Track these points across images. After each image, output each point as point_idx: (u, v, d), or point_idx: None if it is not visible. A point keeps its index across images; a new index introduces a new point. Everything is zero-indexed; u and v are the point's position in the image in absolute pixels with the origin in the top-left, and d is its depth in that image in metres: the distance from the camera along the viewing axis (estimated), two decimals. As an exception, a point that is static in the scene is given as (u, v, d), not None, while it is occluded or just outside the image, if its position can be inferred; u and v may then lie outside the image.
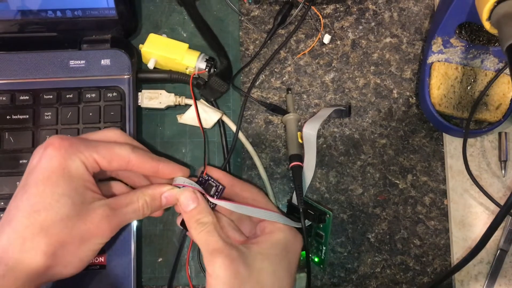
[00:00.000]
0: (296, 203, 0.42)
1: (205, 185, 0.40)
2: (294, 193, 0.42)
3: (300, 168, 0.43)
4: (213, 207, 0.40)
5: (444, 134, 0.46)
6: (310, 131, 0.43)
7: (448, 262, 0.45)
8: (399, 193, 0.46)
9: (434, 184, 0.46)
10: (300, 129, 0.45)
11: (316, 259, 0.43)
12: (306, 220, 0.42)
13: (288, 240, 0.39)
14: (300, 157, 0.43)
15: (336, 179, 0.46)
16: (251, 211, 0.40)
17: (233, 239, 0.38)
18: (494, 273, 0.44)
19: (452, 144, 0.46)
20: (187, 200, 0.38)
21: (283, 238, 0.39)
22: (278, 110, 0.46)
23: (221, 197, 0.41)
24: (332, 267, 0.45)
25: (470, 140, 0.46)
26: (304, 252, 0.41)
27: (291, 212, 0.43)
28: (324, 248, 0.43)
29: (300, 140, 0.44)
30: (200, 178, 0.41)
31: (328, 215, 0.42)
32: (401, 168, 0.47)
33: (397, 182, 0.46)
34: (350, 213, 0.46)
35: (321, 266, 0.44)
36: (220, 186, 0.41)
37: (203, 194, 0.39)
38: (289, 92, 0.47)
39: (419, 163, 0.47)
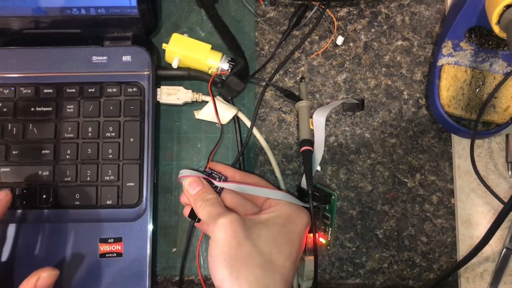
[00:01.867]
0: (304, 187, 0.44)
1: (209, 176, 0.42)
2: (303, 177, 0.44)
3: (310, 152, 0.44)
4: (219, 192, 0.41)
5: (452, 135, 0.48)
6: (319, 118, 0.45)
7: (454, 260, 0.46)
8: (408, 191, 0.47)
9: (442, 183, 0.47)
10: (311, 115, 0.46)
11: (323, 241, 0.45)
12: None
13: (291, 212, 0.40)
14: (310, 142, 0.45)
15: (347, 177, 0.48)
16: (255, 190, 0.41)
17: (242, 215, 0.40)
18: (499, 271, 0.45)
19: (460, 145, 0.47)
20: (191, 185, 0.41)
21: (285, 210, 0.40)
22: (292, 96, 0.47)
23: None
24: (340, 262, 0.47)
25: (478, 141, 0.48)
26: (311, 234, 0.42)
27: (300, 197, 0.45)
28: (330, 229, 0.44)
29: (311, 126, 0.46)
30: (204, 172, 0.43)
31: (333, 197, 0.44)
32: (410, 167, 0.48)
33: (406, 180, 0.48)
34: (359, 209, 0.47)
35: (328, 247, 0.45)
36: (223, 177, 0.43)
37: (207, 181, 0.41)
38: (303, 80, 0.48)
39: (427, 162, 0.48)
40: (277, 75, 0.49)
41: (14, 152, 0.45)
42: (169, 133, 0.49)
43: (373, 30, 0.50)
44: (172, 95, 0.47)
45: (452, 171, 0.48)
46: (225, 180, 0.43)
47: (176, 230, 0.47)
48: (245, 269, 0.35)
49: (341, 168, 0.48)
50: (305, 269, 0.43)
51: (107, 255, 0.44)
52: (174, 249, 0.47)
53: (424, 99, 0.49)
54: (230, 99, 0.48)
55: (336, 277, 0.46)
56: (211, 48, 0.47)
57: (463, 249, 0.46)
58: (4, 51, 0.47)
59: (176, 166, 0.48)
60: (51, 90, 0.46)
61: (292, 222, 0.39)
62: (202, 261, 0.46)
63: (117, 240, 0.44)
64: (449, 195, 0.47)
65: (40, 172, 0.45)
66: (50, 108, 0.46)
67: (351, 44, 0.50)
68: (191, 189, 0.41)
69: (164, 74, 0.48)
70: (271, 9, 0.50)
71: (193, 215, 0.42)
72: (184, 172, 0.43)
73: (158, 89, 0.47)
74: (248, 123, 0.48)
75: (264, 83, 0.48)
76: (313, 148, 0.45)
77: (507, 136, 0.47)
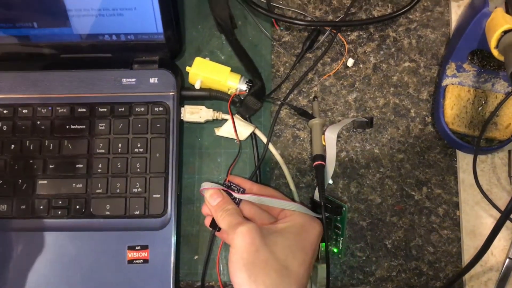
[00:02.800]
0: (317, 199, 0.47)
1: (228, 189, 0.46)
2: (316, 189, 0.47)
3: (323, 166, 0.48)
4: (238, 203, 0.45)
5: (457, 150, 0.51)
6: (331, 134, 0.48)
7: (460, 268, 0.49)
8: (415, 203, 0.50)
9: (447, 196, 0.50)
10: (324, 132, 0.50)
11: (335, 250, 0.48)
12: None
13: (305, 222, 0.43)
14: (323, 157, 0.48)
15: (357, 190, 0.51)
16: (272, 202, 0.45)
17: (259, 225, 0.43)
18: (502, 280, 0.48)
19: (464, 160, 0.50)
20: (212, 197, 0.45)
21: (299, 220, 0.43)
22: (306, 114, 0.51)
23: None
24: (351, 270, 0.50)
25: (482, 157, 0.50)
26: (324, 243, 0.45)
27: (313, 208, 0.48)
28: (341, 238, 0.47)
29: (323, 142, 0.49)
30: (223, 184, 0.46)
31: (344, 208, 0.47)
32: (417, 181, 0.51)
33: (413, 193, 0.51)
34: (369, 221, 0.50)
35: (339, 256, 0.48)
36: (241, 189, 0.46)
37: (227, 193, 0.45)
38: (315, 99, 0.52)
39: (433, 176, 0.51)
40: (292, 95, 0.53)
41: (50, 166, 0.50)
42: (192, 148, 0.52)
43: (381, 52, 0.53)
44: (194, 113, 0.51)
45: (457, 185, 0.50)
46: (243, 192, 0.46)
47: (197, 239, 0.50)
48: (262, 274, 0.39)
49: (352, 182, 0.51)
50: (318, 276, 0.46)
51: (134, 262, 0.48)
52: (196, 257, 0.50)
53: (430, 117, 0.52)
54: (247, 117, 0.52)
55: (347, 284, 0.49)
56: (231, 71, 0.51)
57: (468, 259, 0.48)
58: (43, 74, 0.52)
59: (197, 179, 0.52)
60: (84, 110, 0.51)
61: (306, 231, 0.42)
62: (222, 268, 0.50)
63: (144, 247, 0.48)
64: (454, 207, 0.50)
65: (74, 184, 0.49)
66: (84, 126, 0.50)
67: (361, 65, 0.53)
68: (212, 200, 0.45)
69: (188, 95, 0.52)
70: (286, 34, 0.54)
71: (214, 224, 0.45)
72: (205, 184, 0.46)
73: (182, 108, 0.51)
74: (264, 139, 0.51)
75: (279, 102, 0.52)
76: (325, 162, 0.48)
77: (509, 152, 0.50)
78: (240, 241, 0.40)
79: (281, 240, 0.41)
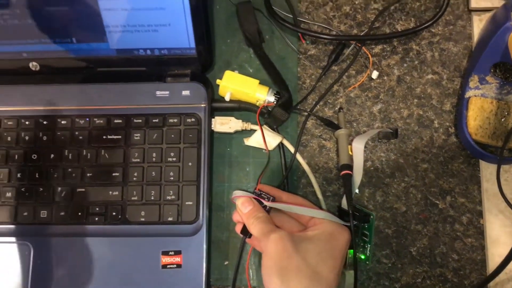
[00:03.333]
0: (344, 207, 0.49)
1: (259, 197, 0.48)
2: (343, 198, 0.49)
3: (350, 176, 0.49)
4: (268, 211, 0.47)
5: (480, 160, 0.52)
6: (358, 145, 0.50)
7: (484, 276, 0.50)
8: (439, 212, 0.52)
9: (471, 205, 0.52)
10: (350, 142, 0.51)
11: (362, 256, 0.49)
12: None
13: (334, 230, 0.45)
14: (350, 167, 0.50)
15: (382, 198, 0.52)
16: (301, 210, 0.46)
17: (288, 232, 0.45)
18: (527, 287, 0.49)
19: (487, 170, 0.52)
20: (244, 204, 0.46)
21: (328, 228, 0.45)
22: (332, 125, 0.52)
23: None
24: (377, 276, 0.51)
25: (505, 166, 0.52)
26: (352, 250, 0.47)
27: (341, 216, 0.50)
28: (369, 245, 0.49)
29: (350, 153, 0.51)
30: (253, 192, 0.48)
31: (371, 216, 0.48)
32: (441, 190, 0.52)
33: (437, 202, 0.52)
34: (395, 228, 0.52)
35: (367, 262, 0.49)
36: (271, 197, 0.48)
37: (258, 201, 0.47)
38: (341, 110, 0.54)
39: (457, 186, 0.52)
40: (318, 106, 0.55)
41: (88, 174, 0.52)
42: (221, 158, 0.54)
43: (405, 65, 0.55)
44: (224, 124, 0.54)
45: (481, 194, 0.52)
46: (273, 200, 0.48)
47: (227, 245, 0.52)
48: (294, 279, 0.40)
49: (377, 191, 0.52)
50: (345, 282, 0.48)
51: (168, 266, 0.50)
52: (226, 262, 0.52)
53: (453, 128, 0.53)
54: (275, 128, 0.54)
55: (373, 290, 0.51)
56: (259, 83, 0.53)
57: (492, 267, 0.50)
58: (81, 87, 0.54)
59: (227, 187, 0.54)
60: (120, 121, 0.53)
61: (335, 238, 0.44)
62: (251, 273, 0.51)
63: (177, 253, 0.50)
64: (478, 216, 0.51)
65: (110, 192, 0.52)
66: (120, 136, 0.53)
67: (385, 77, 0.55)
68: (244, 208, 0.47)
69: (218, 106, 0.54)
70: (312, 47, 0.56)
71: (245, 231, 0.47)
72: (237, 192, 0.48)
73: (213, 119, 0.54)
74: (291, 149, 0.53)
75: (306, 113, 0.54)
76: (352, 172, 0.50)
77: (532, 161, 0.51)
78: (273, 248, 0.41)
79: (312, 247, 0.42)
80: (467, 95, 0.51)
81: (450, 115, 0.54)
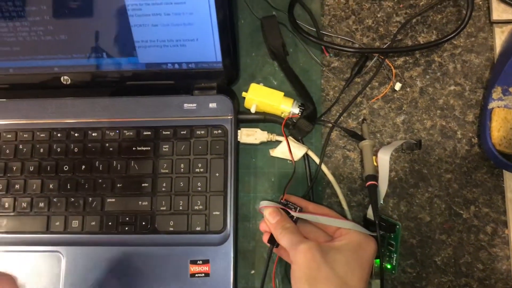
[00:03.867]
0: (370, 217, 0.49)
1: (286, 207, 0.49)
2: (369, 208, 0.50)
3: (375, 186, 0.50)
4: (295, 221, 0.47)
5: (503, 170, 0.52)
6: (384, 156, 0.51)
7: (510, 286, 0.50)
8: (463, 222, 0.52)
9: (495, 215, 0.52)
10: (374, 153, 0.52)
11: (388, 266, 0.50)
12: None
13: (361, 240, 0.45)
14: (375, 177, 0.51)
15: (407, 208, 0.53)
16: (328, 221, 0.47)
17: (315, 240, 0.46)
18: (553, 297, 0.49)
19: (511, 180, 0.52)
20: (272, 215, 0.47)
21: (356, 238, 0.45)
22: (357, 136, 0.53)
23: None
24: (403, 286, 0.51)
25: (529, 177, 0.52)
26: (378, 260, 0.47)
27: (366, 226, 0.50)
28: (395, 255, 0.49)
29: (375, 163, 0.51)
30: (280, 202, 0.49)
31: (397, 226, 0.49)
32: (465, 200, 0.53)
33: (461, 212, 0.52)
34: (419, 238, 0.52)
35: (393, 272, 0.50)
36: (298, 207, 0.49)
37: (285, 211, 0.48)
38: (364, 121, 0.55)
39: (481, 196, 0.53)
40: (341, 117, 0.56)
41: (118, 185, 0.54)
42: (247, 168, 0.56)
43: (427, 76, 0.56)
44: (250, 135, 0.55)
45: (505, 204, 0.52)
46: (300, 210, 0.49)
47: (253, 254, 0.53)
48: None
49: (401, 201, 0.53)
50: (371, 291, 0.48)
51: (196, 275, 0.51)
52: (253, 271, 0.53)
53: (476, 138, 0.54)
54: (300, 139, 0.55)
55: (398, 300, 0.51)
56: (284, 95, 0.55)
57: (517, 276, 0.50)
58: (111, 100, 0.56)
59: (253, 197, 0.55)
60: (149, 133, 0.55)
61: (362, 249, 0.45)
62: (277, 283, 0.52)
63: (205, 262, 0.51)
64: (502, 226, 0.52)
65: (140, 202, 0.53)
66: (149, 148, 0.54)
67: (408, 89, 0.56)
68: (271, 218, 0.48)
69: (244, 118, 0.55)
70: (335, 60, 0.58)
71: (272, 240, 0.48)
72: (264, 203, 0.49)
73: (239, 131, 0.55)
74: (316, 159, 0.54)
75: (331, 125, 0.55)
76: (377, 182, 0.50)
77: (556, 172, 0.51)
78: (302, 258, 0.42)
79: (340, 257, 0.43)
80: (490, 106, 0.52)
81: (473, 126, 0.54)
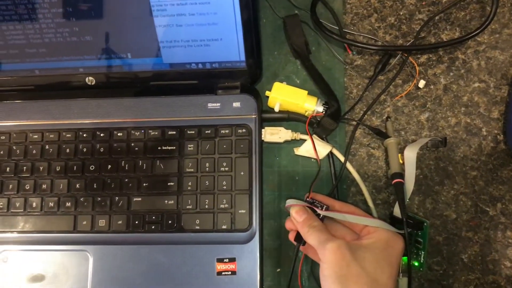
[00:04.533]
0: (397, 215, 0.49)
1: (312, 205, 0.49)
2: (396, 206, 0.50)
3: (402, 184, 0.50)
4: (322, 219, 0.47)
5: (531, 167, 0.52)
6: (410, 153, 0.51)
7: (538, 283, 0.50)
8: (490, 219, 0.52)
9: (523, 212, 0.52)
10: (400, 151, 0.52)
11: (416, 263, 0.50)
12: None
13: (389, 238, 0.45)
14: (401, 175, 0.50)
15: (432, 206, 0.53)
16: (355, 219, 0.47)
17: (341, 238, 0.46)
18: None
19: (539, 177, 0.52)
20: (298, 213, 0.47)
21: (384, 236, 0.45)
22: (381, 134, 0.53)
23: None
24: (429, 283, 0.51)
25: (556, 173, 0.52)
26: (405, 257, 0.47)
27: (393, 223, 0.50)
28: (422, 253, 0.49)
29: (400, 161, 0.51)
30: (306, 201, 0.49)
31: (425, 224, 0.49)
32: (491, 197, 0.52)
33: (488, 209, 0.52)
34: (445, 236, 0.52)
35: (421, 269, 0.50)
36: (324, 206, 0.49)
37: (311, 209, 0.48)
38: (389, 119, 0.55)
39: (507, 193, 0.52)
40: (365, 116, 0.56)
41: (144, 184, 0.54)
42: (271, 167, 0.56)
43: (451, 73, 0.56)
44: (274, 134, 0.55)
45: (532, 201, 0.52)
46: (327, 209, 0.49)
47: (279, 252, 0.54)
48: (354, 287, 0.41)
49: (427, 198, 0.53)
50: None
51: (223, 273, 0.51)
52: (278, 269, 0.53)
53: (501, 135, 0.54)
54: (324, 137, 0.55)
55: (425, 297, 0.51)
56: (307, 94, 0.55)
57: (546, 274, 0.50)
58: (135, 100, 0.57)
59: (277, 195, 0.55)
60: (174, 132, 0.55)
61: (391, 246, 0.45)
62: (303, 280, 0.52)
63: (232, 260, 0.51)
64: (530, 223, 0.52)
65: (166, 201, 0.53)
66: (174, 147, 0.55)
67: (432, 86, 0.56)
68: (298, 216, 0.48)
69: (267, 117, 0.56)
70: (358, 58, 0.58)
71: (299, 238, 0.48)
72: (290, 201, 0.50)
73: (263, 130, 0.55)
74: (340, 157, 0.54)
75: (355, 123, 0.55)
76: (403, 180, 0.50)
77: None
78: (331, 257, 0.42)
79: (369, 255, 0.43)
80: (516, 102, 0.52)
81: (498, 122, 0.54)
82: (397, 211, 0.50)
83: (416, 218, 0.50)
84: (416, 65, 0.56)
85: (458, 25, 0.57)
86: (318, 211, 0.48)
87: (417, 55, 0.56)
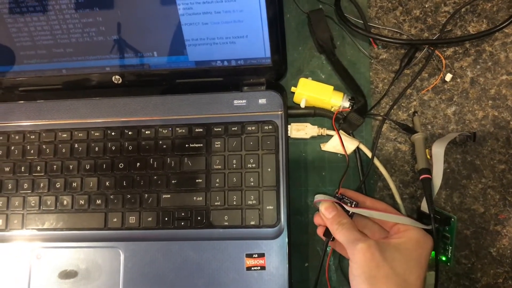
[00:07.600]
0: (424, 210, 0.50)
1: (341, 201, 0.49)
2: (423, 201, 0.50)
3: (429, 180, 0.50)
4: (351, 216, 0.48)
5: (560, 160, 0.52)
6: (438, 149, 0.51)
7: None
8: (518, 213, 0.52)
9: (552, 205, 0.52)
10: (427, 146, 0.52)
11: (443, 258, 0.50)
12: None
13: (419, 238, 0.45)
14: (428, 171, 0.50)
15: (460, 200, 0.53)
16: (385, 216, 0.47)
17: (371, 237, 0.46)
18: None
19: None
20: (328, 209, 0.47)
21: (414, 236, 0.45)
22: (409, 129, 0.53)
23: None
24: (457, 277, 0.52)
25: None
26: (433, 252, 0.48)
27: (420, 218, 0.50)
28: (450, 248, 0.49)
29: (428, 156, 0.51)
30: (335, 196, 0.49)
31: (453, 219, 0.49)
32: (520, 190, 0.52)
33: (516, 203, 0.52)
34: (473, 229, 0.52)
35: (448, 264, 0.50)
36: (354, 202, 0.49)
37: (340, 206, 0.48)
38: (416, 114, 0.55)
39: (536, 186, 0.52)
40: (392, 110, 0.56)
41: (173, 181, 0.55)
42: (297, 163, 0.56)
43: (478, 66, 0.55)
44: (300, 130, 0.55)
45: (562, 194, 0.52)
46: (357, 205, 0.49)
47: (307, 247, 0.54)
48: (384, 287, 0.42)
49: (454, 192, 0.53)
50: (426, 283, 0.48)
51: (252, 268, 0.52)
52: (306, 264, 0.54)
53: (530, 128, 0.53)
54: (351, 133, 0.55)
55: (454, 291, 0.52)
56: (333, 89, 0.55)
57: None
58: (162, 98, 0.57)
59: (304, 191, 0.55)
60: (201, 129, 0.56)
61: (421, 247, 0.45)
62: (331, 275, 0.53)
63: (260, 255, 0.52)
64: (559, 216, 0.51)
65: (194, 198, 0.54)
66: (201, 144, 0.55)
67: (458, 80, 0.55)
68: (327, 213, 0.48)
69: (294, 113, 0.56)
70: (384, 51, 0.57)
71: (328, 234, 0.49)
72: (319, 197, 0.50)
73: (289, 126, 0.55)
74: (367, 152, 0.54)
75: (381, 118, 0.55)
76: (431, 176, 0.50)
77: None
78: (361, 257, 0.43)
79: (399, 256, 0.43)
80: (545, 95, 0.51)
81: (526, 115, 0.54)
82: (424, 206, 0.50)
83: (444, 213, 0.50)
84: (442, 58, 0.55)
85: (485, 17, 0.56)
86: (347, 207, 0.48)
87: (443, 48, 0.56)
